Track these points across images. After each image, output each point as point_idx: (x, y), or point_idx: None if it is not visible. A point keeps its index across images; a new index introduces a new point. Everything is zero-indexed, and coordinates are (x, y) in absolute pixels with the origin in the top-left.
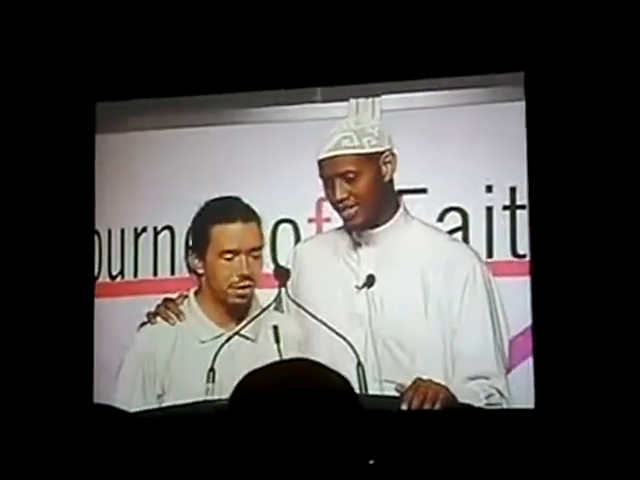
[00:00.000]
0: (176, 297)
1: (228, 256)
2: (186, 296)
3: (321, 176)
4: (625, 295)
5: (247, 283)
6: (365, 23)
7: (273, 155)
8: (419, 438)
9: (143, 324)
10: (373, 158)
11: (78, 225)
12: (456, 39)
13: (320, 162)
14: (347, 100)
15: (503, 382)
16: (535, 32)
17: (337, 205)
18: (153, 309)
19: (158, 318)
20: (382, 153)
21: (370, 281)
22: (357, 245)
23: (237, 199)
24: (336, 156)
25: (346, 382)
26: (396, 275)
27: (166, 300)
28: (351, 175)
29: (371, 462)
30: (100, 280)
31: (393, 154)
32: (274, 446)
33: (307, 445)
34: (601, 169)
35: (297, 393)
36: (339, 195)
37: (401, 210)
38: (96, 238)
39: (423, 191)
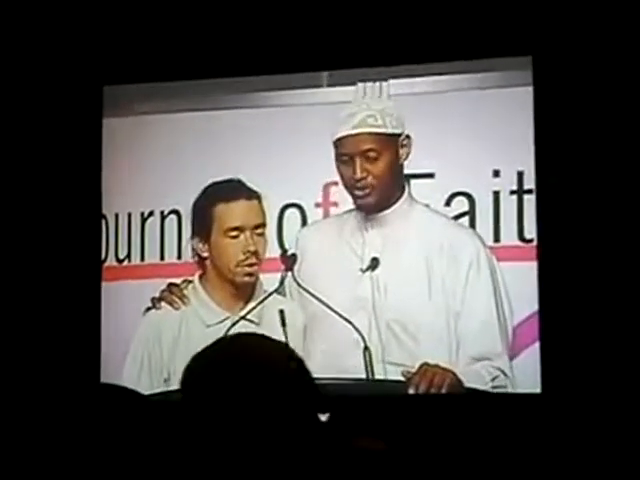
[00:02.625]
0: (180, 282)
1: (233, 234)
2: (190, 281)
3: (339, 154)
4: (633, 281)
5: (253, 260)
6: (372, 7)
7: (280, 139)
8: (426, 423)
9: (148, 309)
10: (393, 140)
11: (85, 209)
12: (463, 23)
13: (340, 139)
14: (354, 84)
15: (507, 363)
16: (543, 16)
17: (354, 184)
18: (158, 294)
19: (163, 303)
20: (400, 135)
21: (374, 264)
22: (362, 228)
23: (236, 180)
24: (360, 134)
25: (287, 351)
26: (400, 259)
27: (170, 285)
28: (372, 154)
29: (324, 417)
30: (107, 264)
31: (409, 137)
32: (221, 420)
33: (254, 413)
34: (609, 154)
35: (237, 366)
36: (359, 174)
37: (406, 194)
38: (103, 222)
39: (430, 176)
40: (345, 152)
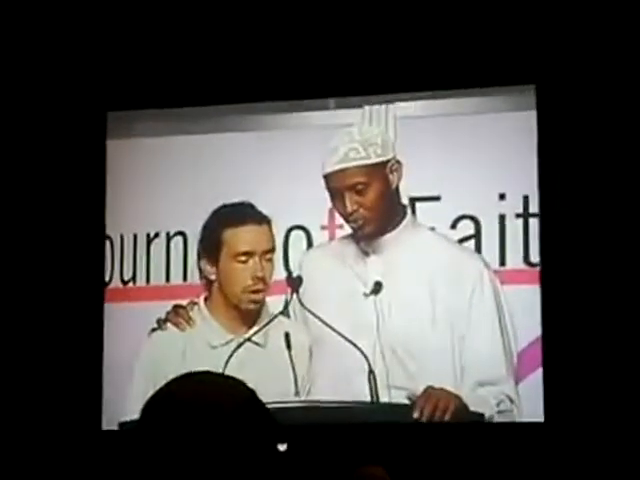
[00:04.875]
0: (186, 304)
1: (242, 258)
2: (196, 303)
3: (328, 189)
4: (638, 306)
5: (261, 287)
6: (380, 36)
7: (285, 162)
8: (428, 451)
9: (153, 330)
10: (380, 168)
11: (89, 230)
12: (468, 53)
13: (327, 176)
14: (361, 107)
15: (512, 388)
16: (545, 46)
17: (347, 217)
18: (163, 316)
19: (168, 324)
20: (388, 162)
21: (377, 288)
22: (364, 253)
23: (247, 204)
24: (345, 169)
25: (237, 385)
26: (403, 282)
27: (176, 307)
28: (360, 187)
29: (282, 448)
30: (112, 285)
31: (398, 162)
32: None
33: (209, 452)
34: (612, 178)
35: (186, 409)
36: (349, 208)
37: (408, 217)
38: (108, 243)
39: (436, 199)
40: (333, 187)
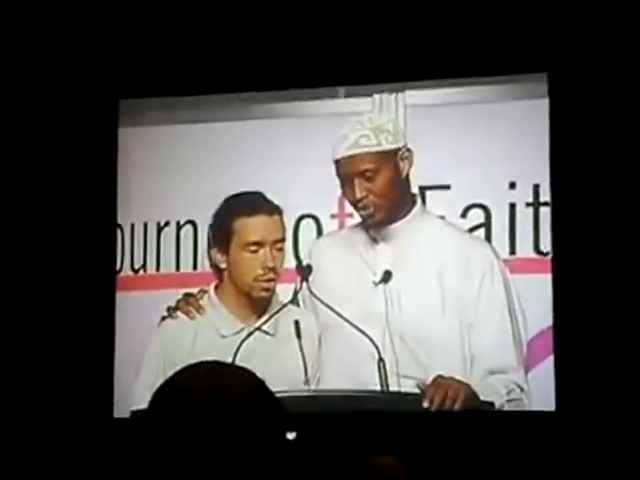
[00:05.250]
0: (197, 292)
1: (253, 248)
2: (206, 291)
3: (338, 175)
4: None
5: (272, 276)
6: (391, 24)
7: (296, 150)
8: (439, 440)
9: (164, 318)
10: (390, 155)
11: (101, 219)
12: (479, 41)
13: (337, 162)
14: (371, 95)
15: (522, 376)
16: (557, 33)
17: (356, 204)
18: (174, 304)
19: (179, 312)
20: (399, 150)
21: (387, 277)
22: (374, 241)
23: (258, 193)
24: (355, 155)
25: (246, 375)
26: (413, 271)
27: (186, 295)
28: (370, 173)
29: (291, 436)
30: (122, 274)
31: (409, 150)
32: (186, 456)
33: (218, 443)
34: (624, 167)
35: (201, 396)
36: (359, 194)
37: (417, 206)
38: (119, 232)
39: (447, 187)
40: (343, 174)
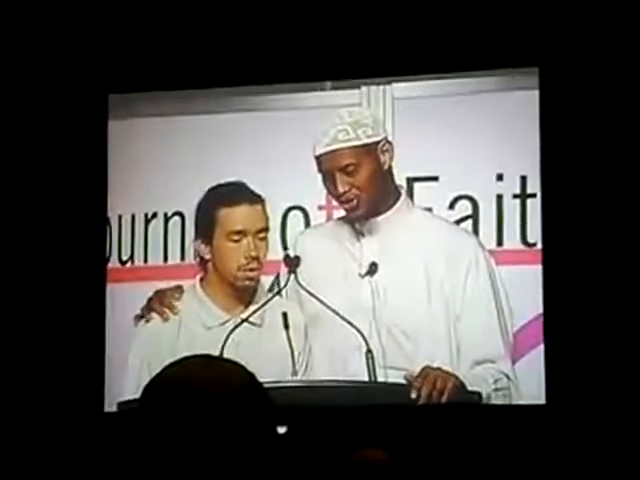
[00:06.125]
0: (170, 289)
1: (236, 237)
2: (180, 287)
3: (320, 171)
4: (638, 285)
5: (255, 265)
6: (379, 17)
7: (284, 142)
8: (428, 432)
9: (139, 317)
10: (371, 148)
11: (91, 211)
12: (471, 35)
13: (318, 158)
14: (358, 88)
15: (509, 366)
16: (548, 27)
17: (339, 198)
18: (145, 303)
19: (153, 314)
20: (379, 142)
21: (373, 269)
22: (359, 234)
23: (240, 183)
24: (335, 150)
25: (236, 369)
26: (399, 263)
27: (158, 293)
28: (351, 168)
29: (282, 430)
30: (110, 265)
31: (389, 142)
32: (176, 447)
33: (208, 436)
34: (613, 158)
35: (190, 389)
36: (341, 189)
37: (402, 198)
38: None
39: (434, 179)
40: (325, 169)
